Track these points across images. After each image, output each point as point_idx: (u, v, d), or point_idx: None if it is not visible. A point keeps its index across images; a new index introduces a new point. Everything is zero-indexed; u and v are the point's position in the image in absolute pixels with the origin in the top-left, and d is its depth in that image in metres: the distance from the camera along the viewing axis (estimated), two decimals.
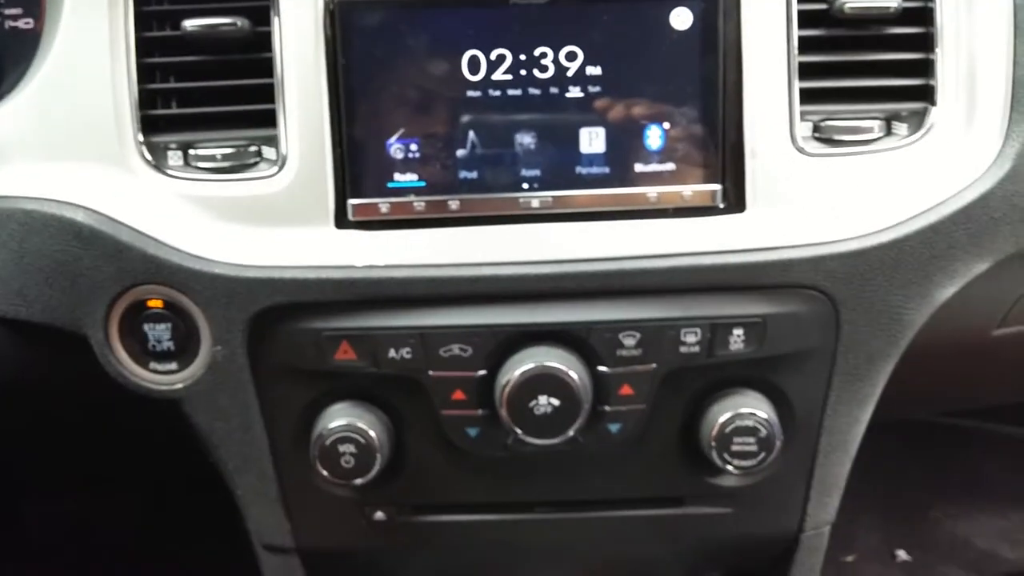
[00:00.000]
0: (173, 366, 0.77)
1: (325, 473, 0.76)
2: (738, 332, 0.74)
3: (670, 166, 0.75)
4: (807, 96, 0.75)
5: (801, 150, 0.75)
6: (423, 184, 0.76)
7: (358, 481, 0.76)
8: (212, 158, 0.76)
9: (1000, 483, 1.73)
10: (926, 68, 0.76)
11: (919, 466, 1.72)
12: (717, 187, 0.75)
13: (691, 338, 0.74)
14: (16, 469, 1.43)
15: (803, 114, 0.75)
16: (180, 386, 0.78)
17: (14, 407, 1.00)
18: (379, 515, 0.82)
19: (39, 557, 1.52)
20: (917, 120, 0.77)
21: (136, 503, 1.51)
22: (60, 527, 1.53)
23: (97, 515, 1.52)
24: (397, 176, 0.76)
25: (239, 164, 0.76)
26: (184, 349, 0.77)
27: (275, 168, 0.76)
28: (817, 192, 0.75)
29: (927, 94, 0.77)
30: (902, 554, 1.63)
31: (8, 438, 1.21)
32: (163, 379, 0.78)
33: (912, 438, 1.66)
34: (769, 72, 0.74)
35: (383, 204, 0.75)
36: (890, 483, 1.61)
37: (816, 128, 0.76)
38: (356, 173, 0.75)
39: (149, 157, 0.77)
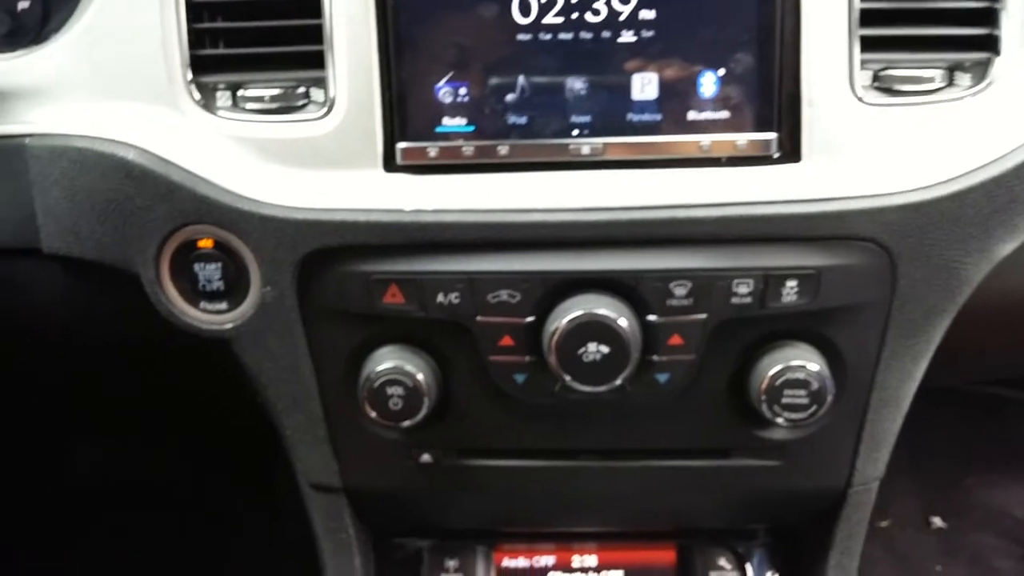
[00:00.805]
0: (223, 306, 0.78)
1: (373, 415, 0.76)
2: (791, 284, 0.73)
3: (724, 114, 0.74)
4: (867, 44, 0.73)
5: (860, 99, 0.73)
6: (472, 129, 0.75)
7: (405, 423, 0.76)
8: (260, 99, 0.76)
9: None
10: (990, 17, 0.74)
11: (956, 434, 1.70)
12: (772, 136, 0.74)
13: (743, 289, 0.73)
14: (65, 413, 1.46)
15: (863, 62, 0.73)
16: (230, 326, 0.78)
17: (66, 350, 1.01)
18: (425, 457, 0.83)
19: (86, 502, 1.55)
20: (980, 71, 0.75)
21: (181, 448, 1.53)
22: (108, 472, 1.56)
23: (144, 460, 1.55)
24: (446, 120, 0.75)
25: (287, 106, 0.76)
26: (234, 289, 0.77)
27: (323, 110, 0.75)
28: (876, 142, 0.73)
29: (991, 44, 0.74)
30: (937, 521, 1.62)
31: (58, 382, 1.23)
32: (213, 319, 0.78)
33: (949, 405, 1.64)
34: (829, 18, 0.72)
35: (431, 148, 0.75)
36: (926, 450, 1.60)
37: (876, 77, 0.74)
38: (404, 117, 0.74)
39: (198, 97, 0.76)
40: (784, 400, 0.74)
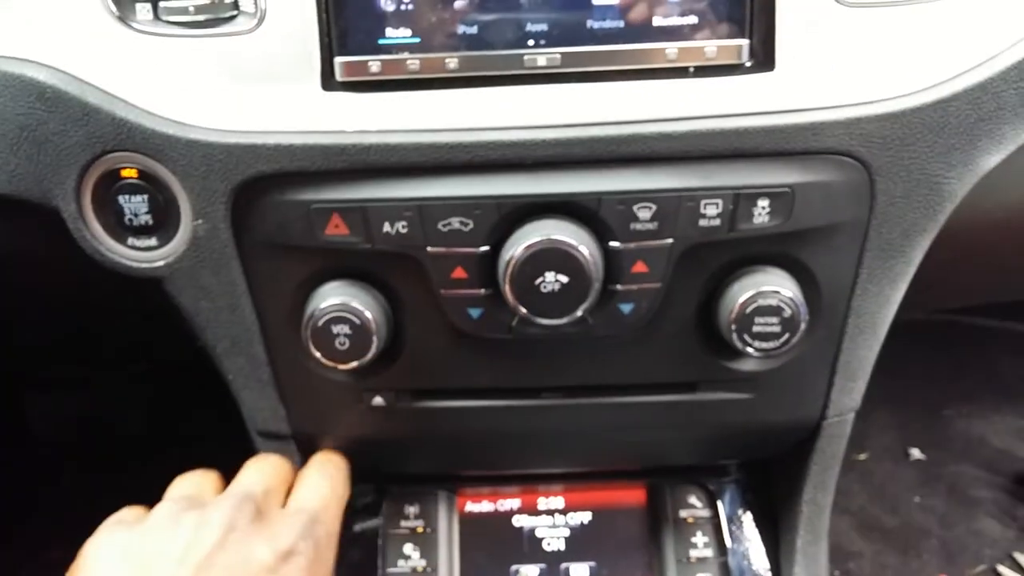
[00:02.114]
0: (153, 242, 0.72)
1: (318, 355, 0.71)
2: (763, 203, 0.68)
3: (692, 19, 0.68)
4: None
5: (839, 1, 0.67)
6: (418, 40, 0.68)
7: (354, 364, 0.72)
8: (184, 11, 0.68)
9: (1017, 382, 1.70)
10: None
11: (934, 365, 1.69)
12: (744, 42, 0.68)
13: (712, 210, 0.68)
14: (16, 362, 1.41)
15: None
16: (161, 263, 0.72)
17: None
18: (377, 401, 0.78)
19: (43, 451, 1.52)
20: None
21: (136, 390, 1.49)
22: (62, 419, 1.52)
23: (99, 406, 1.51)
24: (389, 31, 0.68)
25: (214, 18, 0.68)
26: (163, 223, 0.71)
27: (254, 22, 0.68)
28: (855, 48, 0.68)
29: None
30: (916, 452, 1.61)
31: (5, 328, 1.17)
32: (142, 255, 0.72)
33: (928, 336, 1.62)
34: None
35: (373, 63, 0.68)
36: (905, 382, 1.58)
37: None
38: (344, 27, 0.68)
39: (115, 10, 0.69)
40: (755, 329, 0.70)
